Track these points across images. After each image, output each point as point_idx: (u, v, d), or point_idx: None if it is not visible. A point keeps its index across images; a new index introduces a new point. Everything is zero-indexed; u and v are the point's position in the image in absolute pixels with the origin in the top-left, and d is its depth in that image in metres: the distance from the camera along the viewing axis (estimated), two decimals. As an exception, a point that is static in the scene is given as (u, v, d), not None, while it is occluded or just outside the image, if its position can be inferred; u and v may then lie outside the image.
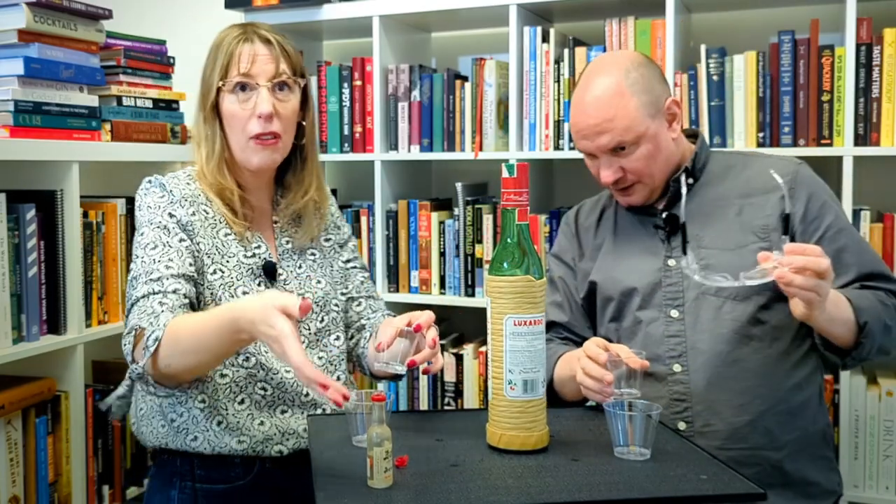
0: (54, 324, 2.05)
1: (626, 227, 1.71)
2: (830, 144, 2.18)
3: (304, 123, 1.60)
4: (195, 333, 1.31)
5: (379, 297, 1.75)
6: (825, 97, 2.19)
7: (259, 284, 1.53)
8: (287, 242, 1.61)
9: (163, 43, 2.48)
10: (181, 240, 1.47)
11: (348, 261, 1.71)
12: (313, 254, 1.64)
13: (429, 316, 1.41)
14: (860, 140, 2.15)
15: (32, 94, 2.00)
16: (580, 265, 1.75)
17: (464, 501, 1.10)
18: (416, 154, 2.59)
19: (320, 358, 1.57)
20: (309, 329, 1.56)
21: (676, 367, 1.57)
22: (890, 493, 2.17)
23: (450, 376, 2.55)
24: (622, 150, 1.59)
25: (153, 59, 2.43)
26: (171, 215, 1.50)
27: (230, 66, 1.52)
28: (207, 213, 1.54)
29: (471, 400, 2.54)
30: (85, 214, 2.13)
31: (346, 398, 1.15)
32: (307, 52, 2.96)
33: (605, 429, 1.31)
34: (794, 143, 2.21)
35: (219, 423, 1.48)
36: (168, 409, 1.52)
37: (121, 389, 1.49)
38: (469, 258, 2.51)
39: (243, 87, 1.52)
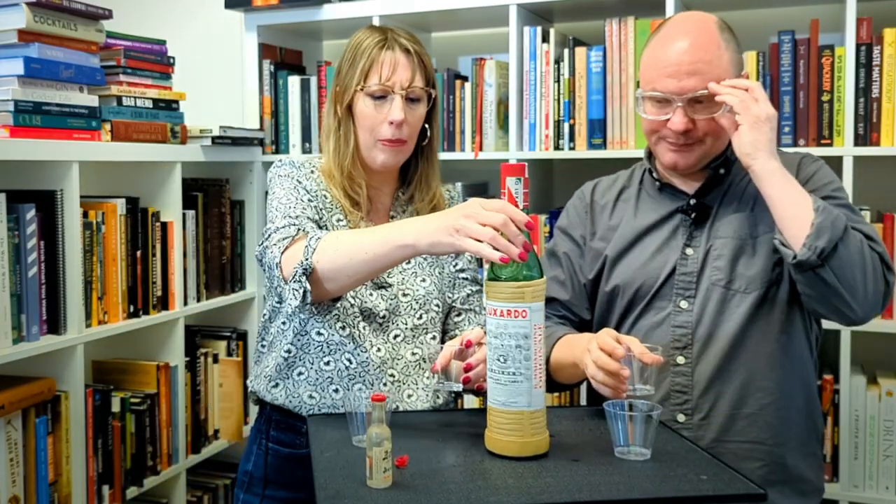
0: (54, 324, 2.05)
1: (646, 212, 1.66)
2: (830, 144, 2.18)
3: (427, 126, 1.66)
4: (358, 233, 1.44)
5: (482, 312, 1.72)
6: (825, 97, 2.19)
7: None
8: None
9: (163, 43, 2.48)
10: (310, 199, 1.59)
11: (461, 270, 1.71)
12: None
13: (479, 333, 1.44)
14: (860, 140, 2.16)
15: (32, 94, 2.00)
16: (591, 244, 1.70)
17: (464, 501, 1.10)
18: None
19: (414, 354, 1.60)
20: (406, 325, 1.60)
21: (680, 359, 1.55)
22: (890, 493, 2.17)
23: (450, 376, 2.55)
24: (699, 104, 1.53)
25: (153, 59, 2.43)
26: (299, 181, 1.61)
27: (370, 72, 1.59)
28: (325, 199, 1.62)
29: (471, 400, 2.54)
30: (85, 214, 2.13)
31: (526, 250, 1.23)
32: (307, 52, 2.97)
33: (605, 429, 1.31)
34: (795, 143, 2.22)
35: (299, 374, 1.58)
36: (263, 354, 1.65)
37: (306, 283, 1.42)
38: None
39: (380, 94, 1.59)
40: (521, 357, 1.25)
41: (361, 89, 1.59)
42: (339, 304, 1.54)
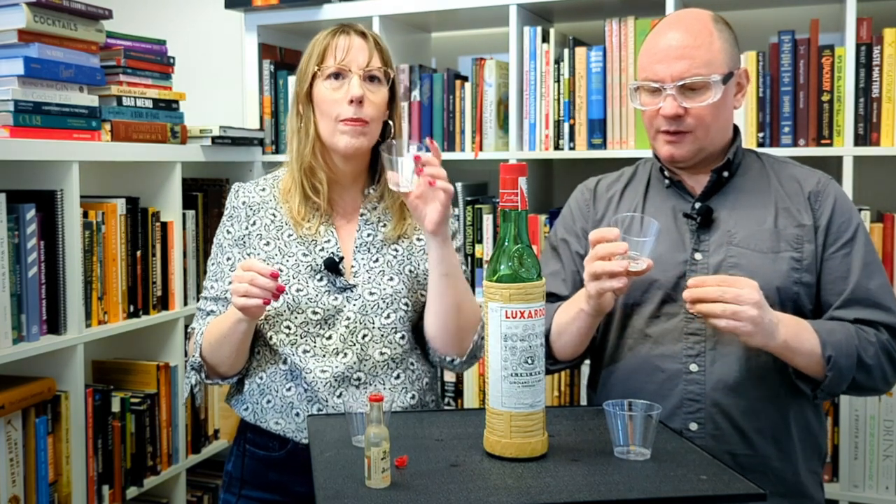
0: (54, 324, 2.06)
1: (654, 209, 1.63)
2: (830, 144, 2.18)
3: (391, 122, 1.65)
4: (217, 323, 1.57)
5: None
6: (825, 97, 2.19)
7: (321, 280, 1.58)
8: (368, 235, 1.64)
9: (163, 43, 2.48)
10: (228, 258, 1.64)
11: None
12: (396, 250, 1.64)
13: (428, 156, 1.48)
14: (860, 140, 2.15)
15: (32, 94, 2.00)
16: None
17: (464, 501, 1.10)
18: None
19: (382, 354, 1.58)
20: (373, 324, 1.59)
21: (693, 367, 1.53)
22: (890, 493, 2.17)
23: (450, 376, 2.56)
24: (691, 91, 1.54)
25: (153, 59, 2.43)
26: (228, 231, 1.66)
27: (326, 55, 1.60)
28: (275, 217, 1.63)
29: (471, 400, 2.54)
30: (85, 214, 2.13)
31: (274, 275, 1.43)
32: (307, 52, 2.97)
33: (604, 429, 1.31)
34: (794, 143, 2.21)
35: (268, 402, 1.61)
36: (245, 378, 1.67)
37: (193, 378, 1.64)
38: (469, 258, 2.51)
39: (337, 74, 1.59)
40: (542, 354, 1.26)
41: (318, 73, 1.59)
42: (297, 324, 1.57)
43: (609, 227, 1.45)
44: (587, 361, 1.73)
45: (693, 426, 1.53)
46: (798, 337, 1.46)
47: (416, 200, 1.48)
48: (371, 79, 1.59)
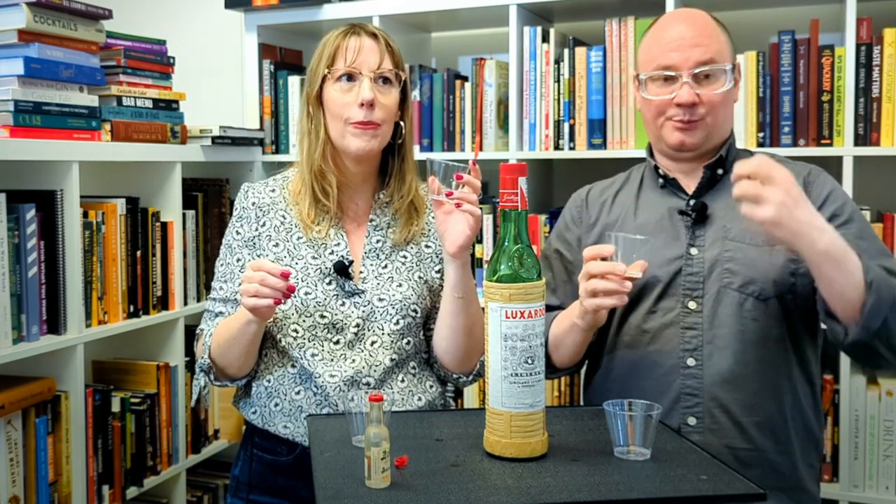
0: (54, 324, 2.06)
1: (647, 209, 1.65)
2: (830, 144, 2.18)
3: (402, 123, 1.64)
4: (226, 324, 1.56)
5: None
6: (825, 97, 2.19)
7: (330, 283, 1.57)
8: (378, 241, 1.63)
9: (163, 43, 2.48)
10: (238, 259, 1.63)
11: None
12: (405, 256, 1.63)
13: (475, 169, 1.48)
14: (860, 140, 2.15)
15: (32, 94, 2.00)
16: (587, 243, 1.67)
17: (463, 501, 1.10)
18: (416, 154, 2.58)
19: (392, 360, 1.58)
20: (382, 330, 1.58)
21: (690, 361, 1.54)
22: (890, 493, 2.17)
23: (450, 376, 2.55)
24: (705, 79, 1.57)
25: (153, 59, 2.43)
26: (237, 232, 1.65)
27: (336, 57, 1.58)
28: (284, 219, 1.62)
29: (471, 400, 2.54)
30: (85, 214, 2.13)
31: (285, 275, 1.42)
32: (307, 52, 2.97)
33: (604, 429, 1.31)
34: (794, 143, 2.21)
35: (276, 405, 1.59)
36: (251, 379, 1.66)
37: (202, 380, 1.64)
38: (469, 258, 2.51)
39: (348, 77, 1.57)
40: (542, 354, 1.26)
41: (329, 75, 1.58)
42: (305, 328, 1.56)
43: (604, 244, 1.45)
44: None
45: (691, 420, 1.54)
46: (842, 250, 1.35)
47: (443, 216, 1.48)
48: (382, 81, 1.58)
